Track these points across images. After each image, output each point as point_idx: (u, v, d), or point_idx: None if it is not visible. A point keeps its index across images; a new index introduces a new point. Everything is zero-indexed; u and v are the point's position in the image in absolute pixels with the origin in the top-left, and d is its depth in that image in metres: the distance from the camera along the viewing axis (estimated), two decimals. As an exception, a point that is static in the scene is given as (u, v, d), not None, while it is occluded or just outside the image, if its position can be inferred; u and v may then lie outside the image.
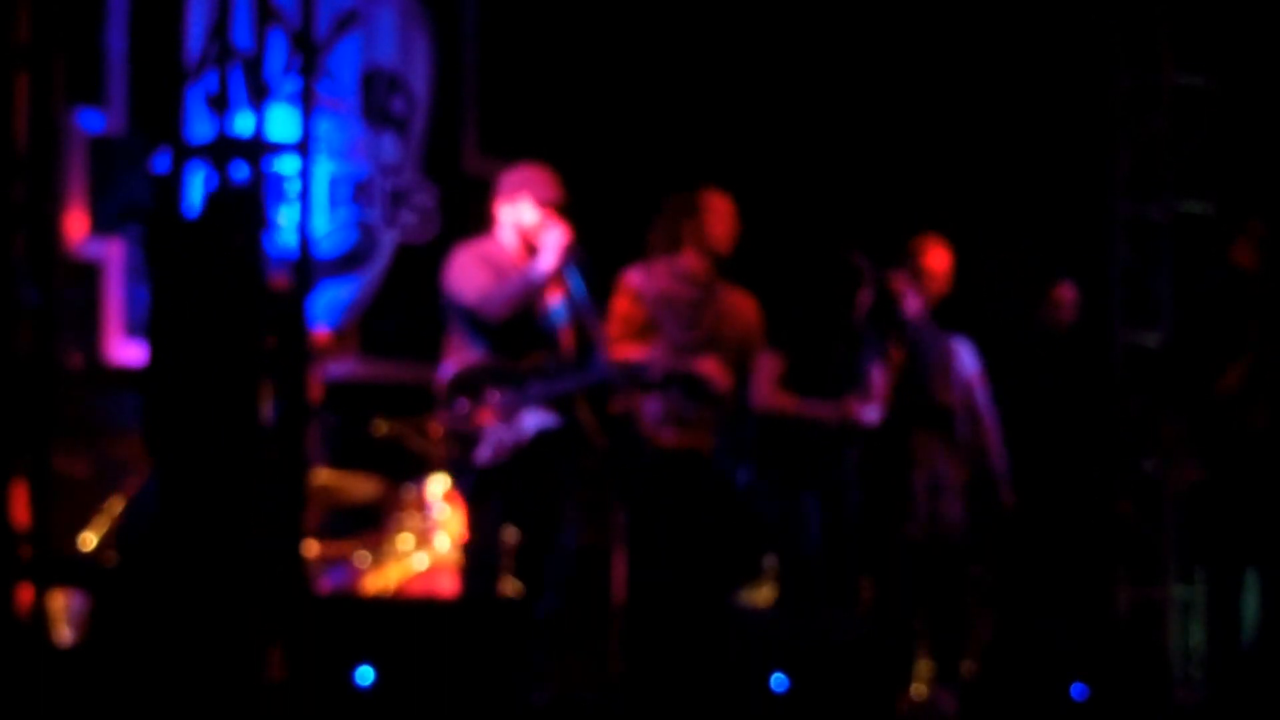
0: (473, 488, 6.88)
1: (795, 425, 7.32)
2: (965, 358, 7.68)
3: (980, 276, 7.77)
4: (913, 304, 7.55)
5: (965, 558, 7.49)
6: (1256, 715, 6.99)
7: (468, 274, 6.90)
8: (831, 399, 7.29)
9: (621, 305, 7.15)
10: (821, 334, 7.42)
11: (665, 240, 7.22)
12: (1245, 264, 7.29)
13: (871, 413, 7.26)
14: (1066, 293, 8.03)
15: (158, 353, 5.64)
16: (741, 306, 7.29)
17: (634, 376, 6.96)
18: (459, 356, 6.90)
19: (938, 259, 7.59)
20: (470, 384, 6.82)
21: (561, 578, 6.89)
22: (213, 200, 5.62)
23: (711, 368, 7.07)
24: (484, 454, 6.80)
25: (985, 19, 9.19)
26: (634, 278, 7.18)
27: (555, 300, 6.98)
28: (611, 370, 6.89)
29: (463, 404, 6.82)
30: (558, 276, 6.87)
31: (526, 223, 6.92)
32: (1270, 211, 7.37)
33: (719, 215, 7.18)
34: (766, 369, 7.33)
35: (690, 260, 7.19)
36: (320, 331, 7.62)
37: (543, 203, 6.91)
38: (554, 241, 6.79)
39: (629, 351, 7.05)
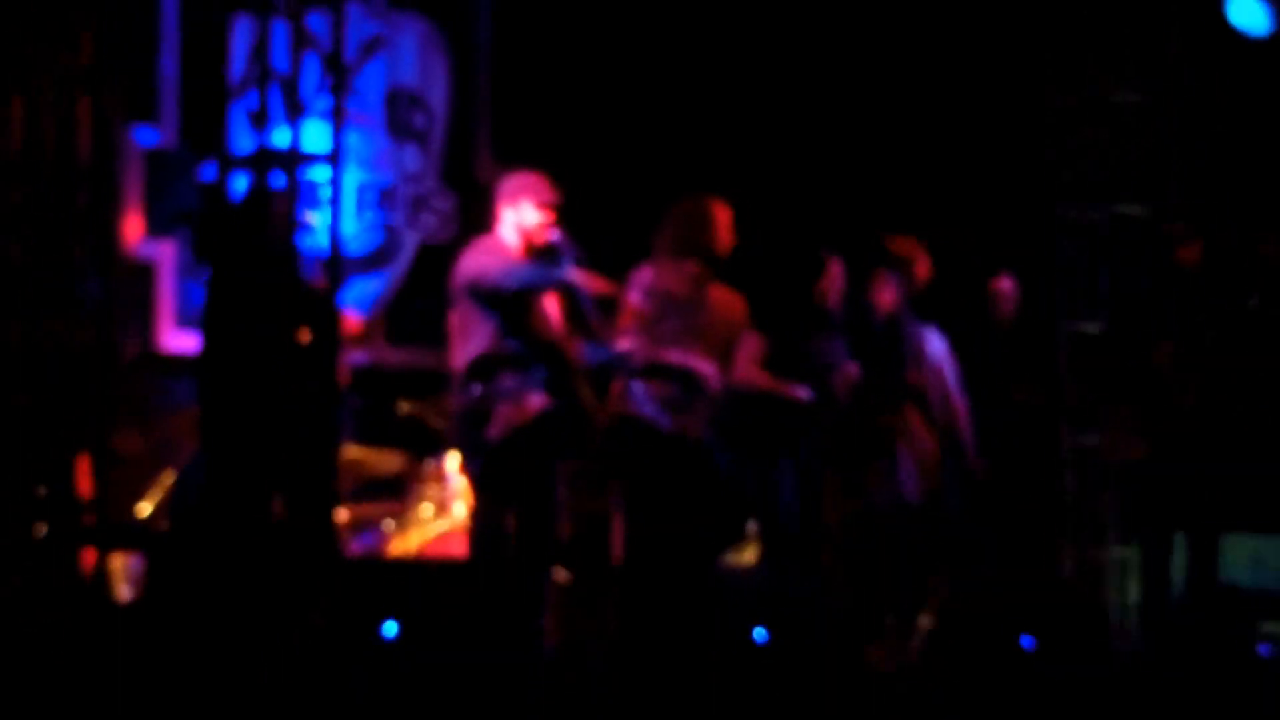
0: (483, 463, 7.06)
1: (768, 402, 7.55)
2: (935, 344, 7.90)
3: (938, 276, 7.92)
4: (888, 297, 7.81)
5: (927, 522, 7.65)
6: (1183, 661, 7.26)
7: (472, 258, 7.16)
8: (804, 380, 7.55)
9: (634, 299, 7.31)
10: (795, 321, 7.68)
11: (674, 244, 7.40)
12: (1189, 262, 7.62)
13: (802, 391, 7.51)
14: (1005, 285, 8.19)
15: (209, 341, 5.89)
16: (730, 303, 7.55)
17: (621, 363, 7.21)
18: (471, 343, 7.10)
19: (924, 265, 7.82)
20: (484, 369, 7.04)
21: (560, 543, 7.11)
22: (247, 202, 5.90)
23: (707, 367, 7.33)
24: (494, 432, 7.02)
25: (929, 54, 9.29)
26: (646, 275, 7.37)
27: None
28: (608, 357, 7.18)
29: (476, 387, 7.04)
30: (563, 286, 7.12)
31: (528, 223, 7.20)
32: (1199, 213, 7.73)
33: (724, 226, 7.42)
34: (748, 348, 7.56)
35: (694, 263, 7.44)
36: (352, 317, 7.81)
37: (542, 204, 7.19)
38: (583, 275, 7.07)
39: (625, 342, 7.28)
